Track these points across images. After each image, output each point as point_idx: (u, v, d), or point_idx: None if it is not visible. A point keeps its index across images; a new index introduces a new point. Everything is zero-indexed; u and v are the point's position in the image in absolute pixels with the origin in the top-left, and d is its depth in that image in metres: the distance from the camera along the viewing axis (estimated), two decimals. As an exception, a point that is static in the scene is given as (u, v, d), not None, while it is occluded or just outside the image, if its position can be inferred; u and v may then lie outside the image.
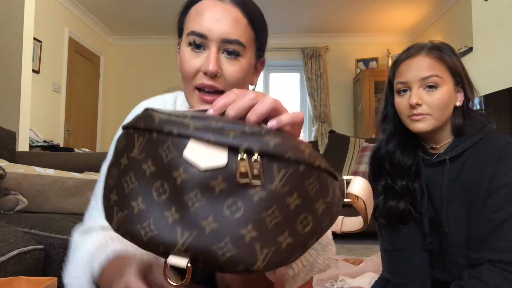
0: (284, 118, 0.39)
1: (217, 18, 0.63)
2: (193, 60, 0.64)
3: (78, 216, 1.27)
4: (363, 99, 4.86)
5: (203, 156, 0.35)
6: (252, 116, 0.39)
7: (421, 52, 0.95)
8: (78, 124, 4.63)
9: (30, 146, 2.89)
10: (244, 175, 0.34)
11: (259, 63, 0.73)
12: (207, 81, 0.63)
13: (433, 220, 1.00)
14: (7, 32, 2.63)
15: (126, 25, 5.11)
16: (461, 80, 0.95)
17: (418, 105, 0.92)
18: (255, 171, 0.34)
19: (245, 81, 0.68)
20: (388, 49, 5.13)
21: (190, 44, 0.65)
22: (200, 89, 0.65)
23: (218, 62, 0.63)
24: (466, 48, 3.30)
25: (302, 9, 4.53)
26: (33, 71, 3.32)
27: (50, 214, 1.21)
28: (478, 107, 2.56)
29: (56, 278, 0.68)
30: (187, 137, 0.36)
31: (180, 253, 0.35)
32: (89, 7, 4.54)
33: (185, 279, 0.36)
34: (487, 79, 2.73)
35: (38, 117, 3.73)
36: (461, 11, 3.83)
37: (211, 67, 0.62)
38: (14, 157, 1.76)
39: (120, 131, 0.42)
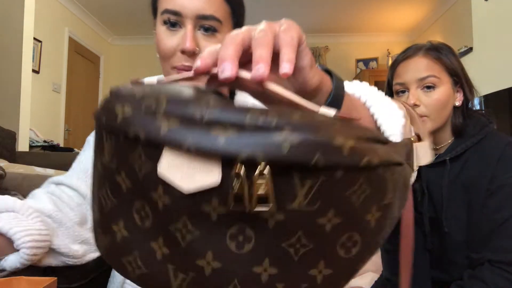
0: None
1: None
2: (169, 39, 0.62)
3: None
4: (363, 99, 4.86)
5: (185, 171, 0.24)
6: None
7: (419, 53, 0.95)
8: (78, 124, 4.63)
9: (30, 146, 2.89)
10: (241, 198, 0.24)
11: None
12: (185, 62, 0.61)
13: (434, 220, 1.00)
14: (7, 32, 2.63)
15: (126, 25, 5.11)
16: (460, 80, 0.95)
17: (416, 106, 0.92)
18: (262, 191, 0.23)
19: None
20: (388, 49, 5.13)
21: (165, 22, 0.63)
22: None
23: (195, 39, 0.61)
24: (466, 48, 3.30)
25: (302, 9, 4.53)
26: (33, 71, 3.32)
27: (50, 214, 1.21)
28: (478, 107, 2.56)
29: (56, 278, 0.68)
30: (159, 144, 0.25)
31: None
32: (89, 7, 4.54)
33: None
34: (487, 79, 2.73)
35: (38, 117, 3.73)
36: (461, 11, 3.83)
37: (188, 44, 0.60)
38: (14, 157, 1.76)
39: None
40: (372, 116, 0.42)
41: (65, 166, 1.63)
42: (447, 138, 0.97)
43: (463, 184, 0.94)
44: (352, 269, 0.28)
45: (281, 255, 0.26)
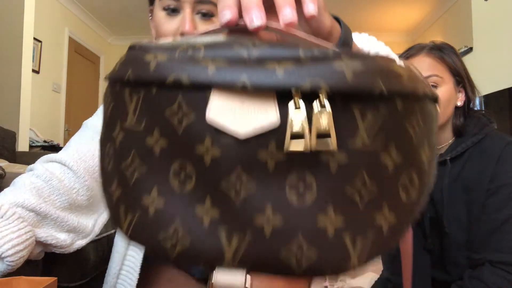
0: None
1: None
2: (169, 24, 0.64)
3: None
4: (363, 99, 4.86)
5: (239, 114, 0.22)
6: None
7: (421, 52, 0.95)
8: (78, 124, 4.61)
9: (30, 146, 2.89)
10: (301, 136, 0.21)
11: None
12: None
13: (434, 221, 1.00)
14: (7, 32, 2.63)
15: (126, 25, 5.11)
16: (462, 80, 0.95)
17: None
18: (323, 126, 0.21)
19: None
20: (388, 49, 5.13)
21: (164, 8, 0.64)
22: None
23: (193, 22, 0.62)
24: (466, 48, 3.30)
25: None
26: (33, 71, 3.32)
27: (50, 214, 1.21)
28: (478, 107, 2.56)
29: (56, 278, 0.68)
30: (208, 86, 0.22)
31: (231, 266, 0.24)
32: (89, 7, 4.54)
33: None
34: (487, 79, 2.73)
35: (38, 117, 3.73)
36: (461, 11, 3.83)
37: (188, 27, 0.61)
38: (14, 157, 1.76)
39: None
40: None
41: (65, 166, 1.63)
42: (448, 138, 0.97)
43: (463, 184, 0.94)
44: (411, 215, 0.26)
45: (346, 202, 0.23)
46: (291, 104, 0.21)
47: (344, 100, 0.22)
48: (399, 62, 0.34)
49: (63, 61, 4.27)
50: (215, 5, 0.63)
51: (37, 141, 2.99)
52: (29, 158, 1.86)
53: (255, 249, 0.23)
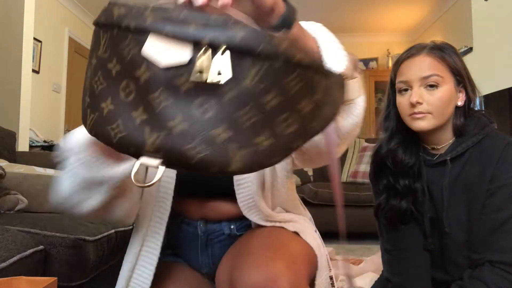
0: None
1: None
2: None
3: (78, 216, 1.27)
4: (363, 99, 4.86)
5: (163, 52, 0.33)
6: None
7: (422, 51, 0.95)
8: (78, 124, 4.55)
9: (30, 146, 2.89)
10: (205, 71, 0.32)
11: None
12: None
13: (434, 220, 1.00)
14: (7, 32, 2.63)
15: (126, 25, 5.11)
16: (463, 79, 0.95)
17: (419, 103, 0.92)
18: (222, 68, 0.32)
19: None
20: (388, 49, 5.13)
21: None
22: None
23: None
24: (466, 48, 3.30)
25: (302, 9, 4.52)
26: (33, 71, 3.32)
27: (50, 214, 1.21)
28: (478, 107, 2.56)
29: (56, 278, 0.68)
30: (146, 31, 0.33)
31: (150, 154, 0.35)
32: (89, 7, 4.54)
33: (152, 181, 0.37)
34: (487, 79, 2.73)
35: (38, 117, 3.73)
36: (461, 11, 3.83)
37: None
38: (14, 157, 1.76)
39: None
40: (319, 50, 0.50)
41: (65, 166, 1.63)
42: (448, 138, 0.97)
43: (463, 184, 0.94)
44: (288, 147, 0.36)
45: (235, 122, 0.33)
46: (200, 52, 0.32)
47: (239, 53, 0.32)
48: (344, 54, 0.47)
49: (63, 61, 4.27)
50: None
51: (37, 141, 2.99)
52: (29, 158, 1.86)
53: (166, 143, 0.34)
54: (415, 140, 1.02)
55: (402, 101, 0.97)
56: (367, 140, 3.51)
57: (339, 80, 0.40)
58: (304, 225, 0.83)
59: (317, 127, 0.37)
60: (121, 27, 0.35)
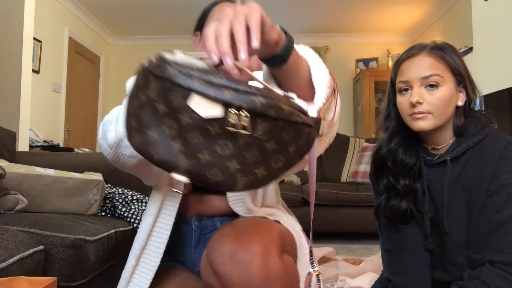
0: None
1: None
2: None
3: (78, 216, 1.27)
4: (363, 99, 4.86)
5: (204, 106, 0.45)
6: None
7: (423, 51, 0.95)
8: (78, 124, 4.63)
9: (30, 146, 2.89)
10: (233, 125, 0.45)
11: None
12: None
13: (434, 220, 1.00)
14: (7, 32, 2.63)
15: (126, 25, 5.11)
16: (463, 79, 0.95)
17: (419, 103, 0.92)
18: (243, 123, 0.45)
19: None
20: (388, 49, 5.13)
21: None
22: None
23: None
24: (466, 48, 3.30)
25: (302, 9, 4.53)
26: (33, 71, 3.32)
27: (50, 214, 1.21)
28: (478, 107, 2.56)
29: (56, 278, 0.68)
30: (191, 90, 0.45)
31: (181, 173, 0.48)
32: (89, 7, 4.54)
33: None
34: (487, 79, 2.73)
35: (38, 117, 3.73)
36: (461, 11, 3.83)
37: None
38: (14, 157, 1.76)
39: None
40: (309, 71, 0.64)
41: (65, 166, 1.63)
42: (448, 138, 0.97)
43: (463, 184, 0.94)
44: (276, 175, 0.51)
45: (243, 159, 0.48)
46: (232, 110, 0.45)
47: (255, 115, 0.45)
48: (327, 77, 0.64)
49: (63, 61, 4.28)
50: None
51: (37, 141, 2.99)
52: (29, 158, 1.86)
53: (195, 169, 0.48)
54: (415, 140, 1.02)
55: (402, 101, 0.97)
56: (367, 140, 3.51)
57: (318, 122, 0.54)
58: (285, 217, 0.89)
59: (298, 159, 0.52)
60: (174, 83, 0.45)
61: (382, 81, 5.00)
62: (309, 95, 0.62)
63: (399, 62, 1.00)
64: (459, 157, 0.95)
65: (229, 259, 0.63)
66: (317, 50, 5.25)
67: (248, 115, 0.45)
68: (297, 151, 0.50)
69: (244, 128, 0.45)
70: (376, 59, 5.19)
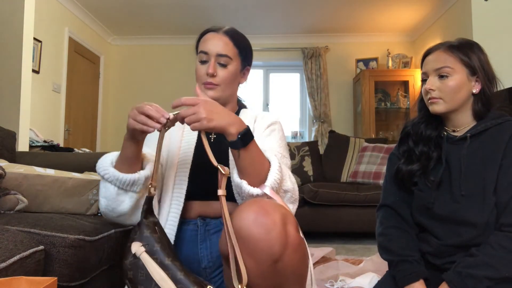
0: None
1: (214, 43, 1.09)
2: (202, 68, 1.10)
3: (78, 216, 1.27)
4: (363, 99, 4.86)
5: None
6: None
7: (440, 48, 1.13)
8: (78, 124, 4.63)
9: (30, 146, 2.89)
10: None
11: (245, 69, 1.18)
12: (209, 80, 1.09)
13: (447, 186, 1.08)
14: (7, 32, 2.63)
15: (126, 25, 5.11)
16: (476, 72, 1.09)
17: (432, 90, 1.10)
18: None
19: (234, 80, 1.12)
20: (388, 49, 5.13)
21: (201, 61, 1.11)
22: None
23: (215, 68, 1.08)
24: (466, 48, 3.30)
25: (302, 9, 4.53)
26: (33, 71, 3.32)
27: (50, 214, 1.21)
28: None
29: (56, 278, 0.68)
30: None
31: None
32: (89, 7, 4.54)
33: None
34: (487, 79, 2.73)
35: (38, 117, 3.73)
36: (461, 11, 3.83)
37: (211, 70, 1.08)
38: (14, 157, 1.76)
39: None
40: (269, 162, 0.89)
41: (65, 166, 1.63)
42: (467, 122, 1.11)
43: (480, 156, 1.06)
44: None
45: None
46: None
47: None
48: (277, 172, 0.90)
49: (63, 61, 4.28)
50: (230, 57, 1.09)
51: (37, 141, 2.99)
52: (29, 158, 1.86)
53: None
54: (438, 122, 1.17)
55: (423, 89, 1.15)
56: (367, 140, 3.51)
57: None
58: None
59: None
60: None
61: (382, 81, 5.00)
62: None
63: (423, 58, 1.18)
64: (478, 135, 1.07)
65: (253, 222, 0.76)
66: (317, 50, 5.25)
67: None
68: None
69: None
70: (376, 59, 5.19)
